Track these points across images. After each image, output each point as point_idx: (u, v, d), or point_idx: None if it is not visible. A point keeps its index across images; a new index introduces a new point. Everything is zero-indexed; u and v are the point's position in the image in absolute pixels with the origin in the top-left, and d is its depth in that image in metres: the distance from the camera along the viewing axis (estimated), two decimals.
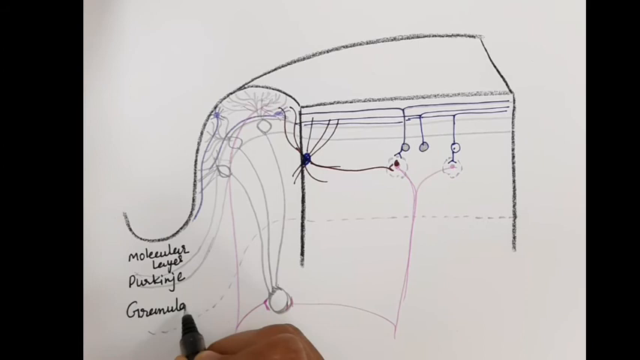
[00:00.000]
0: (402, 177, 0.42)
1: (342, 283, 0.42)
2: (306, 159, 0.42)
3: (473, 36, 0.42)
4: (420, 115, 0.42)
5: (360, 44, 0.42)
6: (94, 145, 0.40)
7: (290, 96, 0.42)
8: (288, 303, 0.42)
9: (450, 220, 0.42)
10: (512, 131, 0.42)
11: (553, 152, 0.42)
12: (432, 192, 0.42)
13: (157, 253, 0.40)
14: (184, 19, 0.41)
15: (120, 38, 0.40)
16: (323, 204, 0.42)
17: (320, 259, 0.42)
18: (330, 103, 0.42)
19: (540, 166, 0.42)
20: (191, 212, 0.41)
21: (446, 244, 0.42)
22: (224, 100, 0.41)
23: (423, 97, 0.42)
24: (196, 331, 0.39)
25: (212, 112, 0.41)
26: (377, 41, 0.42)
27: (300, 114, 0.42)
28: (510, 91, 0.42)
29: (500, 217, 0.42)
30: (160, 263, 0.40)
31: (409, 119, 0.42)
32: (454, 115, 0.42)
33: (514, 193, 0.42)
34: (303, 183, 0.42)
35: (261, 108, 0.41)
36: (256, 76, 0.41)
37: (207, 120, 0.41)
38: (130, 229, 0.40)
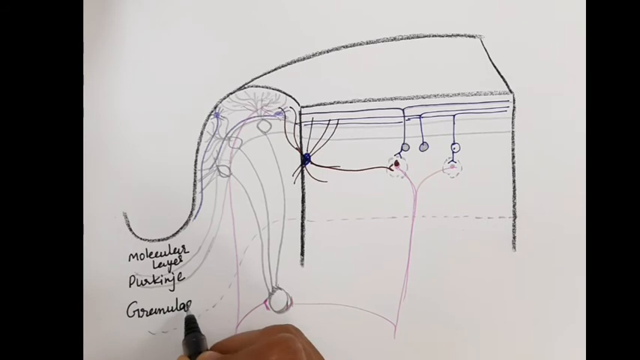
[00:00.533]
0: (402, 177, 0.42)
1: (342, 283, 0.42)
2: (306, 159, 0.42)
3: (473, 36, 0.42)
4: (420, 115, 0.42)
5: (360, 44, 0.42)
6: (94, 145, 0.40)
7: (290, 96, 0.42)
8: (288, 303, 0.42)
9: (450, 220, 0.42)
10: (512, 131, 0.42)
11: (553, 152, 0.42)
12: (432, 192, 0.42)
13: (156, 253, 0.40)
14: (184, 19, 0.41)
15: (120, 38, 0.40)
16: (323, 204, 0.42)
17: (320, 259, 0.42)
18: (330, 103, 0.42)
19: (540, 166, 0.42)
20: (191, 212, 0.41)
21: (446, 244, 0.42)
22: (224, 100, 0.41)
23: (423, 97, 0.42)
24: (199, 332, 0.39)
25: (212, 112, 0.41)
26: (377, 41, 0.42)
27: (300, 114, 0.42)
28: (510, 91, 0.42)
29: (500, 217, 0.42)
30: (160, 263, 0.40)
31: (409, 119, 0.42)
32: (454, 115, 0.42)
33: (514, 193, 0.42)
34: (303, 183, 0.42)
35: (261, 108, 0.41)
36: (256, 76, 0.41)
37: (207, 120, 0.41)
38: (130, 229, 0.40)
